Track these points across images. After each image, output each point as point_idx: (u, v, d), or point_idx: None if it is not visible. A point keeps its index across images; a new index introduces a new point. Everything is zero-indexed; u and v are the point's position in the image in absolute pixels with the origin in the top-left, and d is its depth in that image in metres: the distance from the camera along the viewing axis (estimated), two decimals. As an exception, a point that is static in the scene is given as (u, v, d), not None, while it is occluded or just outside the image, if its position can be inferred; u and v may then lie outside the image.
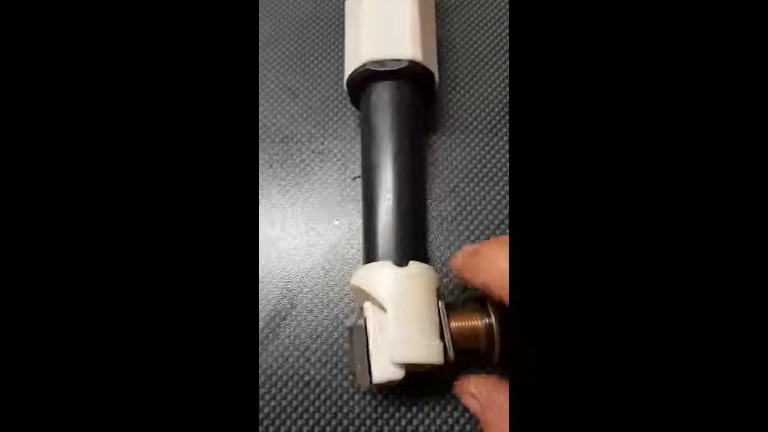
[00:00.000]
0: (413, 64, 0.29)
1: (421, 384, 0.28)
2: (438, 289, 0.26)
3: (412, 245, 0.26)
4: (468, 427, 0.28)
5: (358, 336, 0.24)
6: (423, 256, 0.27)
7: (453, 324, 0.25)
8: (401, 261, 0.25)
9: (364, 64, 0.29)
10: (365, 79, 0.30)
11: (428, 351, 0.23)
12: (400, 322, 0.23)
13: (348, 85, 0.31)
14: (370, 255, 0.26)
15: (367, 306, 0.24)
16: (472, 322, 0.25)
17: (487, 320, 0.24)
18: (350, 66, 0.31)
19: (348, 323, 0.27)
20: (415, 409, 0.28)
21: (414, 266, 0.25)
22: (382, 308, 0.24)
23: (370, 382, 0.23)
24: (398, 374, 0.23)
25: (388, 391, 0.28)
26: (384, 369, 0.23)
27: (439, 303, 0.25)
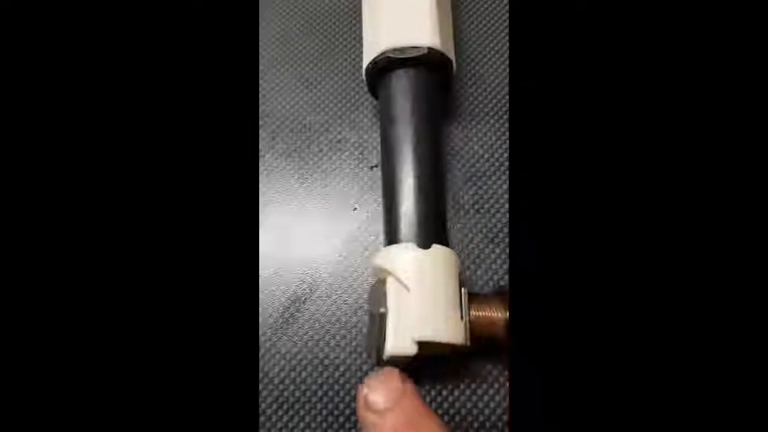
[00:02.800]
0: (432, 51, 0.29)
1: (437, 367, 0.28)
2: (460, 274, 0.26)
3: (435, 229, 0.26)
4: (486, 411, 0.28)
5: (379, 323, 0.24)
6: (444, 241, 0.27)
7: (473, 312, 0.25)
8: (424, 243, 0.25)
9: (384, 52, 0.30)
10: (384, 66, 0.30)
11: (450, 331, 0.24)
12: (423, 301, 0.24)
13: (366, 74, 0.31)
14: (392, 237, 0.27)
15: (390, 281, 0.24)
16: (493, 313, 0.25)
17: (508, 314, 0.25)
18: (369, 54, 0.31)
19: (369, 306, 0.27)
20: (434, 393, 0.28)
21: (437, 249, 0.25)
22: (405, 287, 0.24)
23: (383, 355, 0.24)
24: (412, 350, 0.23)
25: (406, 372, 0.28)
26: (399, 342, 0.23)
27: (462, 289, 0.25)
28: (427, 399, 0.28)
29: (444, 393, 0.28)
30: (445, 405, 0.28)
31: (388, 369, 0.23)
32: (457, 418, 0.28)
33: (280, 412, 0.28)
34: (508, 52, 0.37)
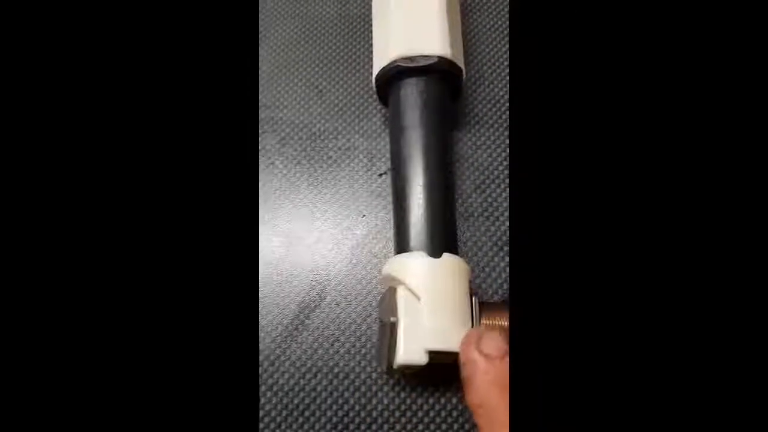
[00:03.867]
0: (442, 60, 0.29)
1: (447, 377, 0.28)
2: (470, 283, 0.26)
3: (445, 237, 0.26)
4: (496, 420, 0.28)
5: (389, 332, 0.24)
6: (454, 249, 0.27)
7: (483, 321, 0.25)
8: (434, 252, 0.25)
9: (394, 61, 0.30)
10: (395, 75, 0.30)
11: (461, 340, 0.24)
12: (434, 311, 0.24)
13: (377, 82, 0.31)
14: (402, 246, 0.27)
15: (401, 290, 0.25)
16: (503, 322, 0.25)
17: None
18: (379, 63, 0.31)
19: (379, 315, 0.27)
20: (443, 401, 0.28)
21: (447, 258, 0.25)
22: (416, 296, 0.24)
23: (394, 364, 0.24)
24: (423, 359, 0.23)
25: (415, 381, 0.28)
26: (410, 352, 0.23)
27: (473, 298, 0.25)
28: (436, 406, 0.28)
29: (454, 401, 0.28)
30: (455, 413, 0.28)
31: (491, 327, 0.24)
32: (467, 426, 0.28)
33: (289, 419, 0.28)
34: (517, 59, 0.38)
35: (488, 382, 0.21)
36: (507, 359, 0.22)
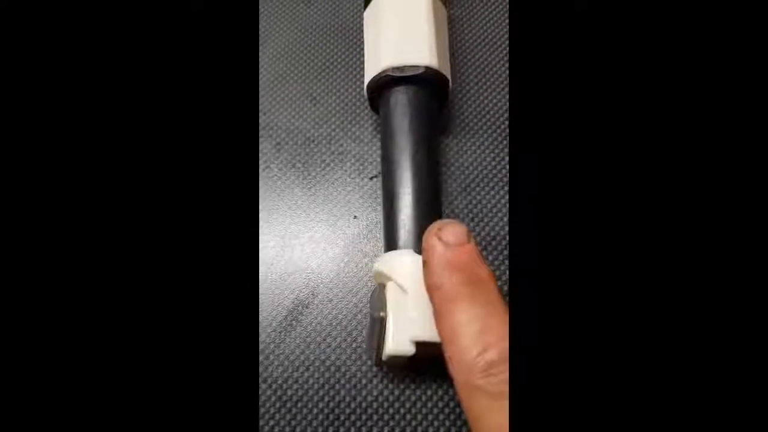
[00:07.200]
0: (430, 70, 0.31)
1: (435, 369, 0.29)
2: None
3: (430, 235, 0.28)
4: (480, 410, 0.29)
5: (379, 326, 0.26)
6: (439, 247, 0.28)
7: None
8: (421, 249, 0.27)
9: (384, 71, 0.32)
10: (385, 84, 0.32)
11: (445, 332, 0.25)
12: (420, 303, 0.25)
13: (368, 90, 0.33)
14: (391, 244, 0.28)
15: (390, 285, 0.26)
16: None
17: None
18: (370, 72, 0.33)
19: (369, 310, 0.29)
20: (429, 392, 0.30)
21: (433, 254, 0.27)
22: (403, 290, 0.26)
23: (382, 355, 0.25)
24: (410, 350, 0.25)
25: (404, 373, 0.30)
26: (398, 343, 0.25)
27: None
28: (423, 398, 0.29)
29: (440, 393, 0.30)
30: (440, 404, 0.29)
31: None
32: (452, 417, 0.29)
33: (283, 411, 0.29)
34: (501, 71, 0.39)
35: (443, 266, 0.24)
36: (467, 247, 0.24)
